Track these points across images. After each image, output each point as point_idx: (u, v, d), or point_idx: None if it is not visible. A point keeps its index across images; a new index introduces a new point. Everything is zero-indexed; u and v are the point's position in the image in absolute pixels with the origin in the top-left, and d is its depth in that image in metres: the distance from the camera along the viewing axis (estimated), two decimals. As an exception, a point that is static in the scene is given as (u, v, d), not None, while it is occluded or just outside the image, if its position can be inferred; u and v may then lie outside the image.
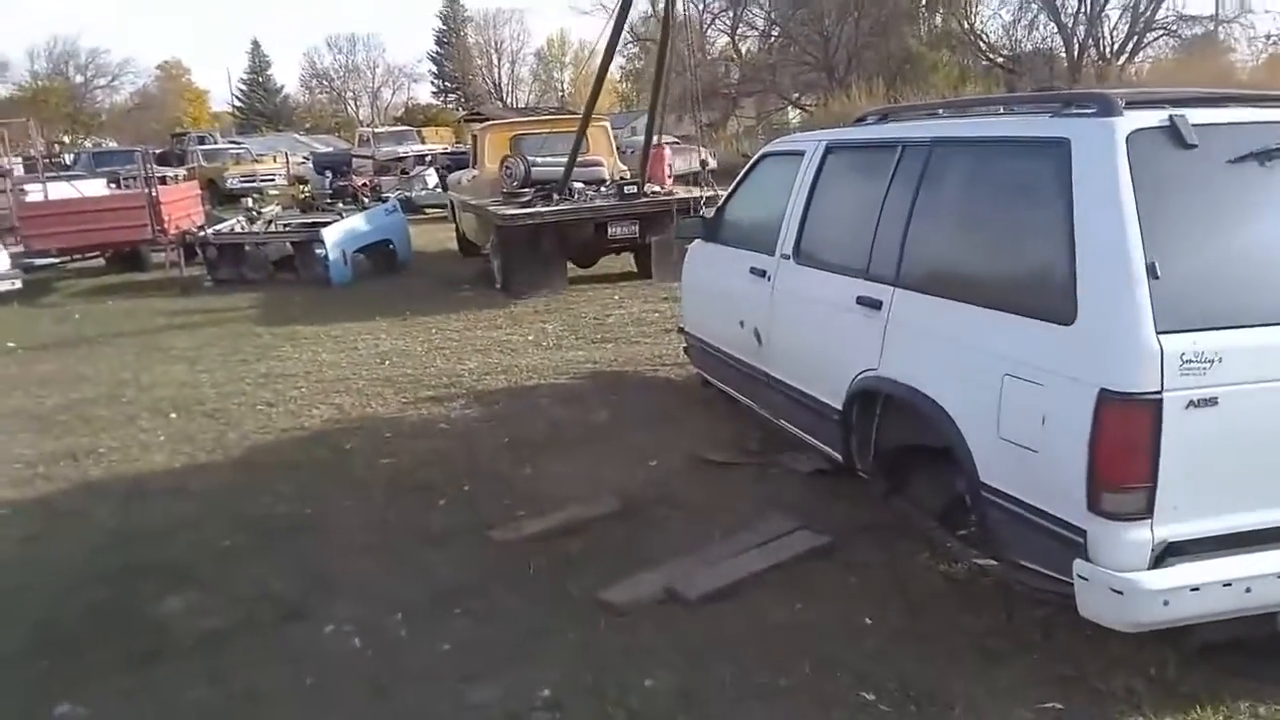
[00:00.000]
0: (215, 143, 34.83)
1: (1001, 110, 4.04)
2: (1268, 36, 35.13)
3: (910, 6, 41.82)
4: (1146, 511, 2.70)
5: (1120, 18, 38.36)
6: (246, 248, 12.60)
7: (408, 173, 24.76)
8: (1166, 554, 2.72)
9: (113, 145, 40.61)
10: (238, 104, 71.68)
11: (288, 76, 75.86)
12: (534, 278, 10.23)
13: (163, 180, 15.26)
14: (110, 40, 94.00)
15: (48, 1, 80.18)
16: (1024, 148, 3.34)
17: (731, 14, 48.57)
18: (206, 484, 5.23)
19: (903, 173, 3.87)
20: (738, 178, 5.69)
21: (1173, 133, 2.89)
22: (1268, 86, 27.09)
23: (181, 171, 20.82)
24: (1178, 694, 2.94)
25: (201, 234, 12.35)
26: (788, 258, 4.60)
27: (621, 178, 11.41)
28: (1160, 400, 2.64)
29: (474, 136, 13.89)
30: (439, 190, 22.53)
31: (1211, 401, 2.68)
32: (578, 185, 10.98)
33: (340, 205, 17.52)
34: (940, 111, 4.44)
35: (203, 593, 3.93)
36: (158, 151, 33.55)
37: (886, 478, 4.01)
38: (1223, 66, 31.76)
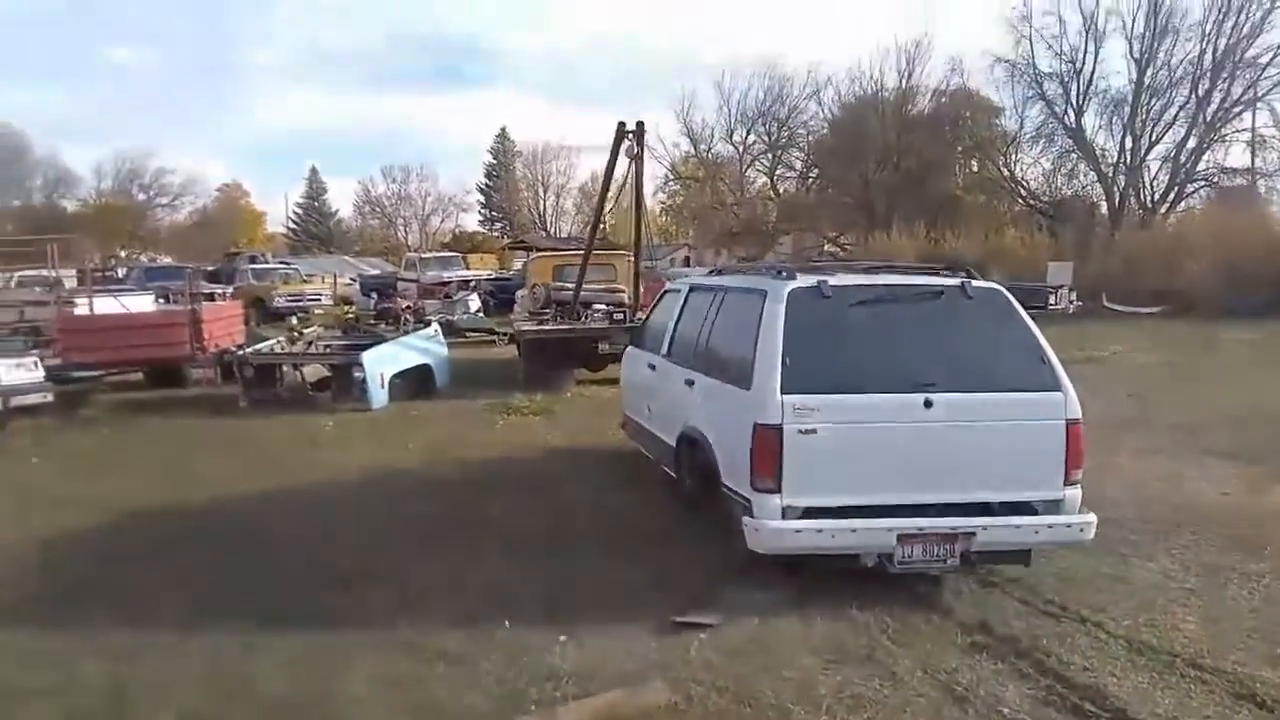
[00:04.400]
0: (266, 262, 35.58)
1: (763, 272, 6.18)
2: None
3: (948, 154, 42.55)
4: (777, 489, 4.84)
5: (1160, 168, 38.48)
6: (284, 368, 12.46)
7: (451, 297, 24.91)
8: (804, 515, 4.83)
9: (168, 261, 41.72)
10: (293, 225, 73.93)
11: (342, 201, 78.19)
12: (546, 378, 12.60)
13: (209, 297, 15.33)
14: (175, 159, 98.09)
15: (117, 121, 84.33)
16: (752, 294, 5.61)
17: (770, 156, 49.80)
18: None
19: (713, 304, 6.34)
20: (652, 304, 8.45)
21: (818, 290, 5.24)
22: (1241, 240, 26.91)
23: (229, 289, 21.03)
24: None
25: (239, 353, 12.23)
26: (665, 356, 6.97)
27: (628, 306, 13.65)
28: (782, 429, 4.82)
29: (526, 264, 17.31)
30: (480, 315, 22.65)
31: (813, 431, 4.83)
32: (600, 307, 13.63)
33: (383, 326, 17.57)
34: (747, 270, 7.24)
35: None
36: (210, 269, 34.38)
37: (703, 489, 5.82)
38: (1256, 219, 31.80)
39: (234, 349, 12.46)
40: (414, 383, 12.43)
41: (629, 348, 8.41)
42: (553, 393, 12.34)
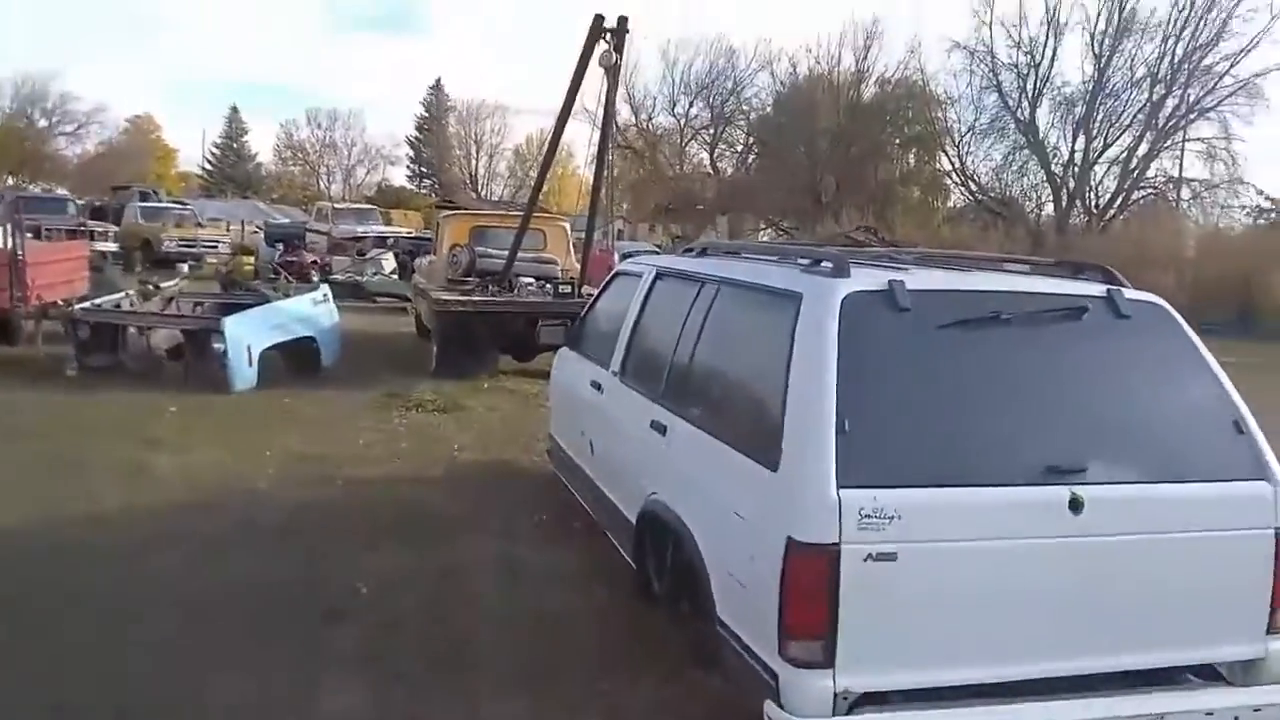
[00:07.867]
0: (159, 200, 32.07)
1: (788, 259, 3.93)
2: (1222, 207, 34.94)
3: (884, 143, 41.16)
4: (828, 661, 2.67)
5: (1106, 172, 37.65)
6: (130, 330, 9.96)
7: (364, 254, 22.23)
8: (862, 703, 2.71)
9: (61, 192, 37.61)
10: (209, 166, 69.44)
11: (263, 145, 73.59)
12: (464, 363, 10.27)
13: (36, 234, 12.64)
14: (84, 88, 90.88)
15: (22, 38, 77.62)
16: (773, 296, 3.41)
17: (713, 131, 47.47)
18: None
19: (697, 306, 4.00)
20: (598, 291, 5.98)
21: (889, 296, 3.04)
22: (1204, 252, 26.20)
23: (72, 226, 17.99)
24: None
25: (69, 308, 9.67)
26: (616, 375, 4.71)
27: (572, 279, 11.30)
28: (839, 551, 2.65)
29: (437, 224, 13.93)
30: (394, 276, 20.10)
31: (890, 557, 2.68)
32: (528, 281, 11.09)
33: (281, 283, 15.13)
34: (741, 252, 4.58)
35: None
36: (96, 204, 30.82)
37: (682, 602, 3.60)
38: (1170, 233, 30.77)
39: (62, 302, 9.89)
40: (294, 359, 10.06)
41: (562, 349, 6.15)
42: (467, 380, 10.04)
